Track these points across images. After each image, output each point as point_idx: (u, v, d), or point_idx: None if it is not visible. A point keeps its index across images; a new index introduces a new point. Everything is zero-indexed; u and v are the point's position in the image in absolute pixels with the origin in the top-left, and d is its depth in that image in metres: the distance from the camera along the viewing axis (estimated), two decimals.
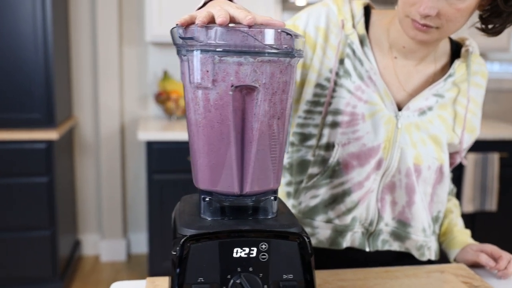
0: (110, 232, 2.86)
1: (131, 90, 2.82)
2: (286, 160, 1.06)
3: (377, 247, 1.02)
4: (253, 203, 0.70)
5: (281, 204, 0.78)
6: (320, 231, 1.01)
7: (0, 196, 2.20)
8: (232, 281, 0.64)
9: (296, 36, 0.65)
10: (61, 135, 2.31)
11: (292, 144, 1.04)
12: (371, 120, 0.97)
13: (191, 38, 0.62)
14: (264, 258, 0.65)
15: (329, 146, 0.99)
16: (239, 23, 0.64)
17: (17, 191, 2.22)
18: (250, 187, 0.68)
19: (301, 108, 1.01)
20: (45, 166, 2.24)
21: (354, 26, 0.99)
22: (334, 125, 0.98)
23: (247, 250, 0.65)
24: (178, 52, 0.67)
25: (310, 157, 1.01)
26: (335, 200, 1.00)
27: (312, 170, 1.00)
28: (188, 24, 0.64)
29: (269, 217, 0.71)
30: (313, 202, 1.01)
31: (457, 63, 1.00)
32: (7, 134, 2.17)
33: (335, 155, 0.98)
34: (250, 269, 0.65)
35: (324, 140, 0.99)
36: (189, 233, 0.65)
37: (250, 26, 0.62)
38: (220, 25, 0.61)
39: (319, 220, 1.01)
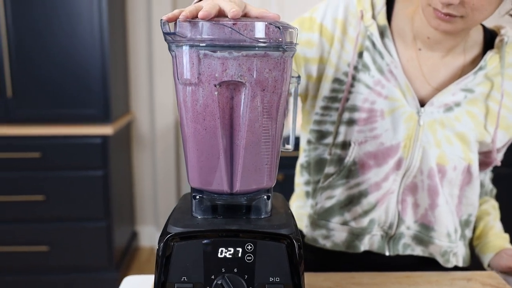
0: None
1: None
2: (303, 158, 1.02)
3: (398, 251, 0.96)
4: (246, 202, 0.68)
5: (282, 203, 0.76)
6: (335, 234, 0.97)
7: (59, 188, 2.32)
8: (215, 281, 0.63)
9: (286, 28, 0.63)
10: (116, 130, 2.39)
11: (309, 142, 1.00)
12: (391, 117, 0.91)
13: (174, 34, 0.61)
14: (250, 260, 0.63)
15: (345, 145, 0.94)
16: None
17: (75, 183, 2.33)
18: (240, 186, 0.66)
19: (318, 104, 0.96)
20: (101, 160, 2.33)
21: (374, 17, 0.93)
22: (351, 122, 0.93)
23: (232, 250, 0.63)
24: (169, 49, 0.66)
25: (327, 155, 0.97)
26: (351, 201, 0.95)
27: (328, 169, 0.96)
28: (175, 19, 0.63)
29: (262, 216, 0.68)
30: (329, 203, 0.96)
31: (489, 54, 0.91)
32: (66, 129, 2.28)
33: (351, 154, 0.93)
34: (235, 270, 0.63)
35: (340, 138, 0.94)
36: (174, 231, 0.64)
37: (235, 19, 0.61)
38: (202, 19, 0.60)
39: (335, 222, 0.96)
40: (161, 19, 0.62)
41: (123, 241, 2.66)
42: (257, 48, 0.61)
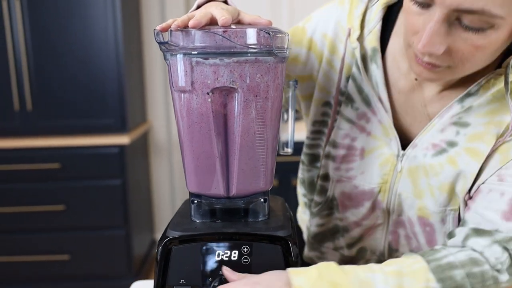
0: None
1: None
2: (300, 174, 0.99)
3: None
4: (244, 205, 0.69)
5: (281, 206, 0.76)
6: (329, 257, 0.94)
7: (79, 198, 2.36)
8: (212, 284, 0.64)
9: (276, 33, 0.64)
10: (133, 139, 2.43)
11: (303, 162, 0.94)
12: (369, 157, 0.80)
13: (166, 43, 0.63)
14: (246, 262, 0.64)
15: (327, 178, 0.86)
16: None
17: (94, 193, 2.37)
18: (236, 190, 0.67)
19: (309, 128, 0.88)
20: (118, 169, 2.37)
21: (362, 38, 0.78)
22: (329, 157, 0.84)
23: (228, 253, 0.64)
24: (164, 57, 0.68)
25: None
26: (338, 231, 0.90)
27: (317, 197, 0.89)
28: (168, 29, 0.65)
29: (260, 219, 0.69)
30: (319, 230, 0.92)
31: (486, 78, 0.70)
32: (84, 140, 2.32)
33: (331, 190, 0.86)
34: None
35: (323, 171, 0.86)
36: (172, 235, 0.66)
37: (226, 27, 0.62)
38: (193, 27, 0.61)
39: (327, 246, 0.93)
40: (154, 29, 0.64)
41: (142, 249, 2.69)
42: (248, 54, 0.62)
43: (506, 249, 0.67)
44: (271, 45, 0.63)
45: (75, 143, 2.32)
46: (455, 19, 0.59)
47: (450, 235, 0.72)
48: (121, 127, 2.37)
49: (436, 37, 0.60)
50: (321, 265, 0.63)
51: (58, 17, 2.26)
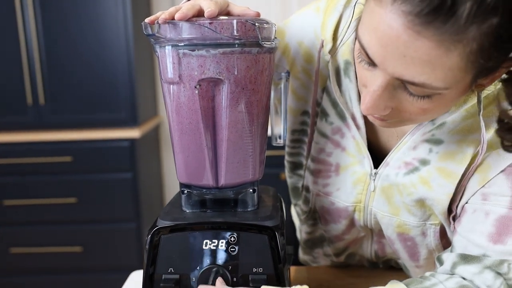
0: None
1: None
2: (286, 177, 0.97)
3: (392, 264, 0.91)
4: (233, 196, 0.70)
5: (272, 197, 0.77)
6: (321, 261, 0.94)
7: (90, 191, 2.40)
8: (200, 273, 0.65)
9: (262, 24, 0.64)
10: (143, 133, 2.46)
11: (286, 167, 0.92)
12: (344, 174, 0.77)
13: (153, 35, 0.64)
14: (233, 251, 0.65)
15: (308, 190, 0.84)
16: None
17: (105, 186, 2.40)
18: (225, 180, 0.68)
19: (288, 136, 0.86)
20: (129, 162, 2.40)
21: (334, 51, 0.74)
22: (309, 170, 0.82)
23: (216, 242, 0.65)
24: (153, 50, 0.69)
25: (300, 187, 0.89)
26: (324, 240, 0.89)
27: (302, 206, 0.88)
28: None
29: (249, 209, 0.70)
30: (308, 237, 0.91)
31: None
32: (95, 134, 2.36)
33: (312, 203, 0.84)
34: (220, 261, 0.65)
35: (305, 182, 0.84)
36: (162, 224, 0.67)
37: (212, 18, 0.63)
38: (179, 20, 0.62)
39: (317, 252, 0.93)
40: (142, 22, 0.65)
41: None
42: (235, 45, 0.63)
43: (498, 274, 0.63)
44: (257, 36, 0.63)
45: (86, 137, 2.35)
46: (400, 83, 0.55)
47: (439, 259, 0.69)
48: (131, 121, 2.40)
49: (379, 101, 0.57)
50: None
51: (69, 12, 2.29)
